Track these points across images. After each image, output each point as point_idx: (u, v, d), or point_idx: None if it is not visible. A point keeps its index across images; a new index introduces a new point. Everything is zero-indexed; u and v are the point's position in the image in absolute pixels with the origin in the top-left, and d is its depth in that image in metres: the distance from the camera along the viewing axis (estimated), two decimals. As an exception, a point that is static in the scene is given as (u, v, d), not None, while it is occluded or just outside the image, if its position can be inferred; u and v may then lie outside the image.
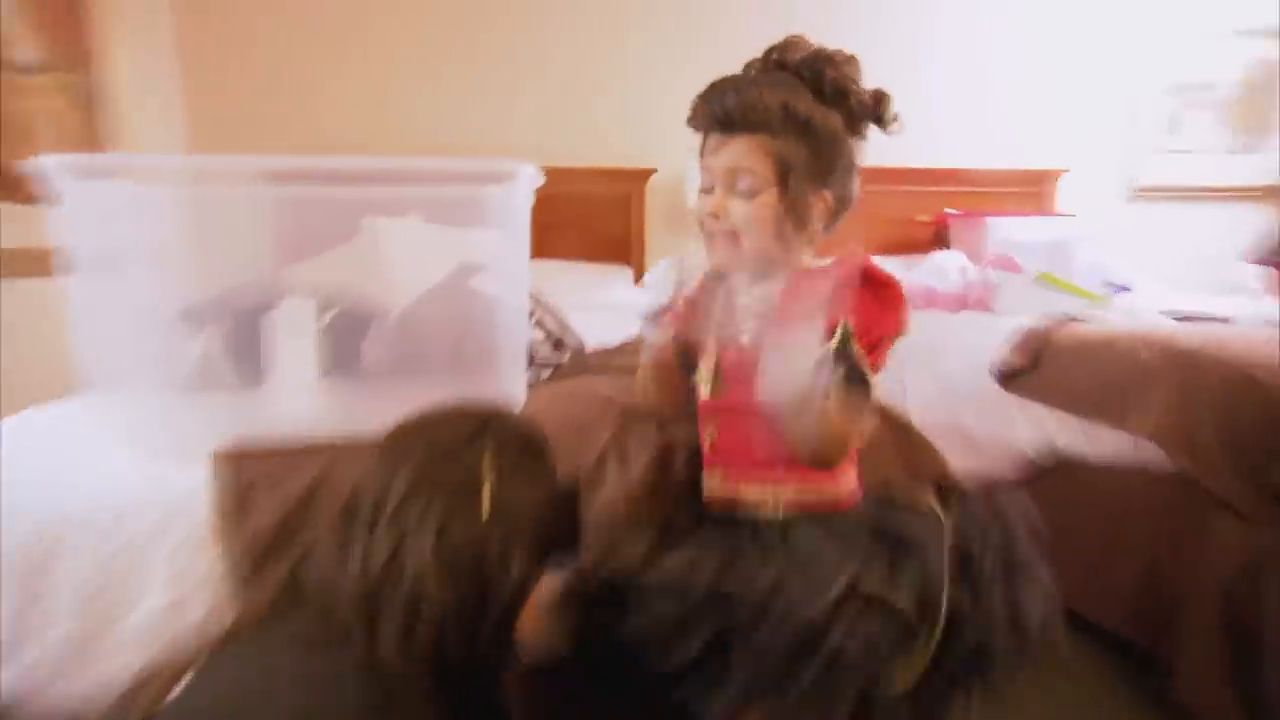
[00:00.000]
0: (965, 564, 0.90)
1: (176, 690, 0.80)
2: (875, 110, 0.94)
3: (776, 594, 0.85)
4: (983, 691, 0.91)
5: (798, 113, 0.90)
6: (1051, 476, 1.96)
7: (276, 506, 1.10)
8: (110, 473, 1.10)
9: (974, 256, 2.84)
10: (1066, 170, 3.32)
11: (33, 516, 1.04)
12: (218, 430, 1.17)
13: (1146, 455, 1.71)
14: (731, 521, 0.98)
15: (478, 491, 0.83)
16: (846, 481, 0.98)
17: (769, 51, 0.95)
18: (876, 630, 0.83)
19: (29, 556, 1.03)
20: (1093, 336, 1.91)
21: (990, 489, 1.04)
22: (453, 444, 0.87)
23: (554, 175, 2.90)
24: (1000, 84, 3.33)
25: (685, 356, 1.05)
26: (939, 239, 3.17)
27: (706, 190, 0.96)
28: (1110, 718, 1.62)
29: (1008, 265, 2.51)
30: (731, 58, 0.99)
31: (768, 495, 0.97)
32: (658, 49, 3.08)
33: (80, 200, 1.05)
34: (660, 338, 1.08)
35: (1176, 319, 2.11)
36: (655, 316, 1.13)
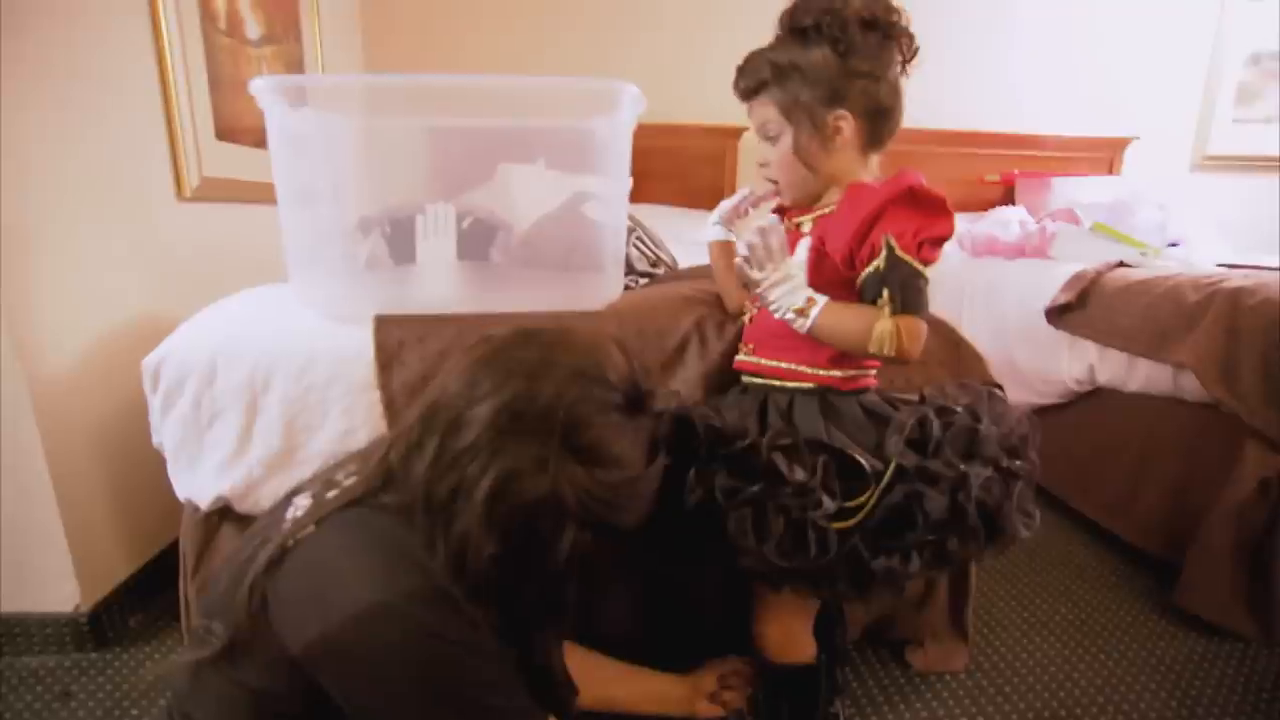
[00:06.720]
0: (927, 439, 1.00)
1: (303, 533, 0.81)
2: (867, 24, 1.01)
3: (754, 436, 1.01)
4: (935, 562, 1.01)
5: (781, 62, 1.02)
6: (1090, 404, 2.02)
7: (420, 360, 1.25)
8: (304, 332, 1.31)
9: (1037, 213, 2.80)
10: (1136, 139, 3.29)
11: (252, 359, 1.28)
12: (379, 303, 1.33)
13: (1183, 385, 1.75)
14: (757, 385, 1.13)
15: (545, 466, 0.77)
16: (843, 371, 1.08)
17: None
18: (832, 473, 0.97)
19: (251, 387, 1.28)
20: (1141, 279, 1.90)
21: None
22: (537, 397, 0.78)
23: (653, 132, 2.97)
24: (1078, 53, 3.26)
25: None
26: (1006, 198, 3.17)
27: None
28: (1120, 619, 1.69)
29: (1068, 218, 2.47)
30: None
31: (781, 370, 1.11)
32: (754, 11, 3.10)
33: (281, 131, 1.25)
34: (717, 233, 1.28)
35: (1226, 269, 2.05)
36: (723, 213, 1.31)
